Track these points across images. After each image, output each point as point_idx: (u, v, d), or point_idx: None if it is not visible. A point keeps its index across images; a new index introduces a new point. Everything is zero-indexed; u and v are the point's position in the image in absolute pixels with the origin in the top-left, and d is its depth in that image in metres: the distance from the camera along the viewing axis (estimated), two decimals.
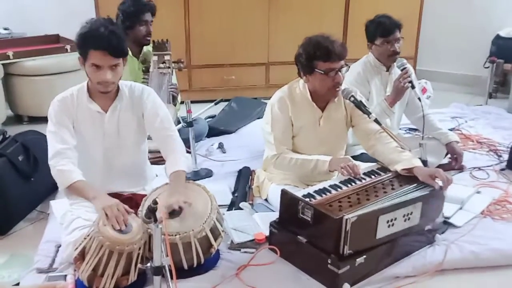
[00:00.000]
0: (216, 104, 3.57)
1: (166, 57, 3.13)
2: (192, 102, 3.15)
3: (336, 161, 2.45)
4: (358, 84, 2.89)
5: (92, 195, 2.10)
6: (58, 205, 2.58)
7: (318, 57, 2.37)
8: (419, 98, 2.89)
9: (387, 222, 2.10)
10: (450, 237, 2.39)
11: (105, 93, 2.22)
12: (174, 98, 3.21)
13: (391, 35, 2.89)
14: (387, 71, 3.02)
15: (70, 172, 2.14)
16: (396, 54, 2.93)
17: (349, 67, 2.49)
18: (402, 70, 2.89)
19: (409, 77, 2.86)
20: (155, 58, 3.12)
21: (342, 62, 2.41)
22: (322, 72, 2.38)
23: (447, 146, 3.10)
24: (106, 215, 1.96)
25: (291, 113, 2.54)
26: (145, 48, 3.31)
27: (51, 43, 4.29)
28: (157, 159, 2.94)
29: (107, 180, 2.36)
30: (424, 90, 4.38)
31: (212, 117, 4.09)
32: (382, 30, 2.90)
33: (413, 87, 2.87)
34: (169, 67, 3.13)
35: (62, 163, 2.15)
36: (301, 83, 2.56)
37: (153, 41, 3.16)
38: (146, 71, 3.24)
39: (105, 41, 2.08)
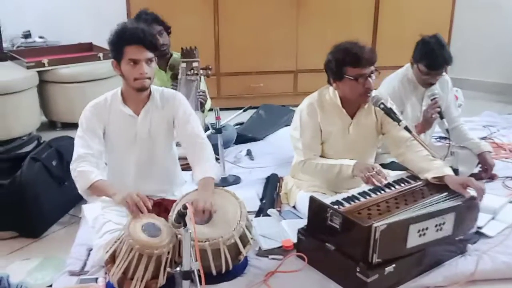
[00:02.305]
0: (244, 111, 3.60)
1: (194, 64, 3.17)
2: (220, 109, 3.18)
3: (360, 166, 2.42)
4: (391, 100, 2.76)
5: (112, 192, 2.14)
6: (90, 209, 2.61)
7: (348, 63, 2.37)
8: (447, 130, 2.82)
9: (418, 231, 2.07)
10: (482, 247, 2.35)
11: (142, 91, 2.26)
12: (202, 105, 3.25)
13: (436, 70, 2.80)
14: (422, 86, 2.93)
15: (89, 173, 2.18)
16: (432, 86, 2.86)
17: (379, 72, 2.46)
18: (432, 100, 2.82)
19: (438, 107, 2.79)
20: (184, 65, 3.16)
21: (372, 68, 2.39)
22: (352, 78, 2.38)
23: (479, 156, 3.05)
24: (128, 205, 2.01)
25: (320, 119, 2.54)
26: (174, 55, 3.36)
27: (84, 51, 4.39)
28: (187, 166, 2.98)
29: (138, 183, 2.39)
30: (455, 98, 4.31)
31: (240, 124, 4.11)
32: (430, 63, 2.77)
33: (441, 117, 2.81)
34: (197, 74, 3.17)
35: (82, 165, 2.20)
36: (331, 89, 2.56)
37: (182, 48, 3.21)
38: (174, 78, 3.29)
39: (140, 35, 2.17)
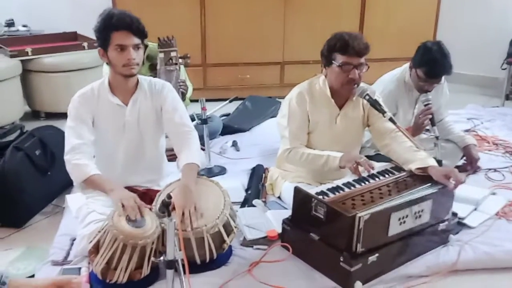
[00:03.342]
0: (230, 102, 3.59)
1: (173, 54, 3.14)
2: (206, 100, 3.17)
3: (347, 158, 2.43)
4: (385, 103, 2.65)
5: (109, 187, 2.14)
6: (74, 199, 2.59)
7: (337, 50, 2.38)
8: (437, 137, 2.73)
9: (399, 219, 2.10)
10: (464, 237, 2.38)
11: (130, 77, 2.25)
12: (183, 95, 3.24)
13: (435, 79, 2.78)
14: (418, 91, 2.92)
15: (85, 166, 2.17)
16: (426, 92, 2.83)
17: (368, 67, 2.46)
18: (425, 106, 2.79)
19: (430, 114, 2.76)
20: (162, 55, 3.14)
21: (361, 60, 2.39)
22: (338, 65, 2.39)
23: (464, 149, 3.08)
24: (123, 206, 1.99)
25: (308, 108, 2.54)
26: (150, 45, 3.33)
27: (68, 41, 4.34)
28: (173, 157, 2.97)
29: (126, 173, 2.39)
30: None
31: (227, 115, 4.11)
32: (429, 70, 2.74)
33: (433, 124, 2.78)
34: (176, 64, 3.15)
35: (77, 157, 2.19)
36: (322, 79, 2.56)
37: (159, 38, 3.18)
38: (152, 68, 3.26)
39: (127, 21, 2.16)
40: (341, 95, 2.54)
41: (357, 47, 2.36)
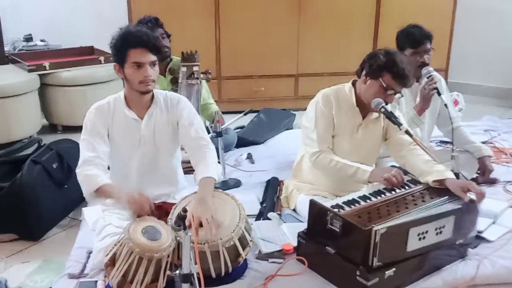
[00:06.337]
0: (245, 114, 3.59)
1: (195, 68, 3.19)
2: (221, 112, 3.19)
3: (378, 172, 2.41)
4: None
5: (117, 195, 2.17)
6: (90, 212, 2.62)
7: (389, 71, 2.39)
8: (445, 105, 2.83)
9: (418, 235, 2.07)
10: (483, 251, 2.34)
11: (146, 93, 2.28)
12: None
13: (421, 46, 2.87)
14: (417, 81, 2.95)
15: (95, 177, 2.18)
16: (425, 66, 2.89)
17: (402, 95, 2.53)
18: (428, 78, 2.86)
19: (434, 83, 2.83)
20: (184, 69, 3.18)
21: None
22: (384, 86, 2.41)
23: (479, 160, 3.05)
24: (132, 207, 2.03)
25: (334, 112, 2.54)
26: (174, 59, 3.37)
27: (85, 55, 4.41)
28: (189, 169, 2.98)
29: (141, 187, 2.37)
30: (456, 103, 4.32)
31: (241, 128, 4.12)
32: (411, 41, 2.88)
33: (439, 93, 2.83)
34: (197, 78, 3.19)
35: (88, 169, 2.20)
36: (347, 87, 2.57)
37: (182, 52, 3.23)
38: (174, 82, 3.30)
39: (144, 39, 2.19)
40: (365, 106, 2.54)
41: (407, 83, 2.42)
